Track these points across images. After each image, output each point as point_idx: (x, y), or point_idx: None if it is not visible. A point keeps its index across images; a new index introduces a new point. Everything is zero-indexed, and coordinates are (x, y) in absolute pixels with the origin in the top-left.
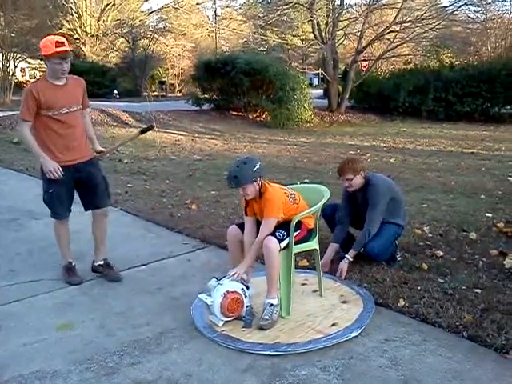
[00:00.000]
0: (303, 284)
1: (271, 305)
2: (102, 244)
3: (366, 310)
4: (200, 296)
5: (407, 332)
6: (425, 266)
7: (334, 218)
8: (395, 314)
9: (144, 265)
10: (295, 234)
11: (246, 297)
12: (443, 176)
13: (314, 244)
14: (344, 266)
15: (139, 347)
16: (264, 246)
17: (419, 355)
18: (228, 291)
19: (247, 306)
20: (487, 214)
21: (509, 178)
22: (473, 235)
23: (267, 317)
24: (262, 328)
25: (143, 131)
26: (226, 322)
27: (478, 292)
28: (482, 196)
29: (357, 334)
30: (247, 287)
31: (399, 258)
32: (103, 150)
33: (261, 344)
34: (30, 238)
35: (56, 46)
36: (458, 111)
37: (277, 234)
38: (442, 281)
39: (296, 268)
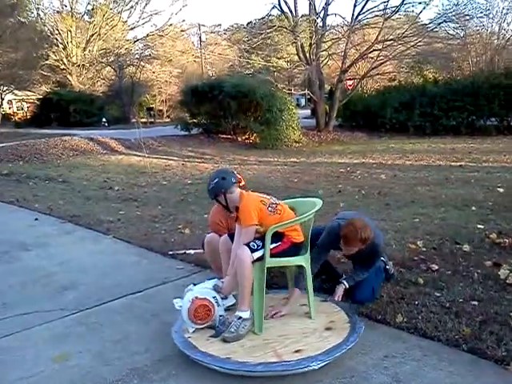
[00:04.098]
0: (303, 305)
1: (239, 318)
2: None
3: (345, 342)
4: (174, 301)
5: (407, 348)
6: (421, 281)
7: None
8: (394, 330)
9: (139, 292)
10: (274, 245)
11: (218, 305)
12: (433, 190)
13: (300, 260)
14: (340, 290)
15: (138, 375)
16: (236, 255)
17: (420, 370)
18: (197, 297)
19: (220, 316)
20: (479, 226)
21: (498, 189)
22: (466, 247)
23: (233, 329)
24: (225, 340)
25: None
26: (198, 329)
27: (475, 304)
28: (473, 208)
29: (316, 367)
30: (226, 297)
31: (393, 272)
32: None
33: (211, 356)
34: (22, 269)
35: None
36: (445, 125)
37: (251, 243)
38: (438, 294)
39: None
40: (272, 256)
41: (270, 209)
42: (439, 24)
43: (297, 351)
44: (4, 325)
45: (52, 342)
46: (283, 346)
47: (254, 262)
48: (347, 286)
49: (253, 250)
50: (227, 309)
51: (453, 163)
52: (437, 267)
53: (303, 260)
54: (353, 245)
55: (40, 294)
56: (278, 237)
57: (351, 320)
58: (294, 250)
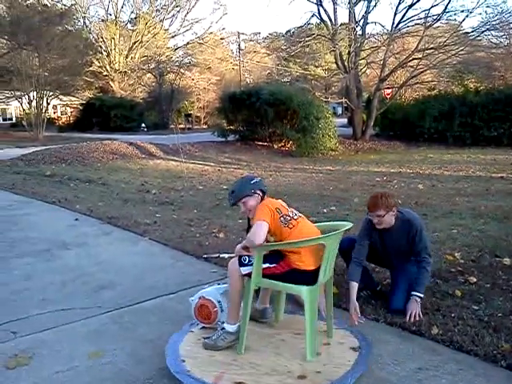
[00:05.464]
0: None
1: (223, 329)
2: None
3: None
4: (190, 298)
5: (442, 361)
6: (458, 293)
7: (349, 253)
8: (428, 341)
9: (173, 293)
10: (267, 265)
11: (222, 311)
12: (473, 201)
13: (299, 290)
14: (416, 306)
15: (168, 375)
16: (228, 265)
17: None
18: (203, 297)
19: (222, 322)
20: None
21: None
22: (507, 261)
23: (213, 337)
24: (204, 345)
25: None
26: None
27: None
28: None
29: None
30: None
31: (429, 284)
32: None
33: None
34: (62, 268)
35: None
36: (486, 136)
37: (243, 257)
38: (476, 308)
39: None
40: (265, 276)
41: (281, 219)
42: (482, 32)
43: (239, 383)
44: (43, 319)
45: (87, 338)
46: (233, 374)
47: (245, 275)
48: (422, 295)
49: (242, 264)
50: None
51: (493, 174)
52: (475, 280)
53: (304, 290)
54: (378, 208)
55: (78, 291)
56: (275, 257)
57: (359, 351)
58: (294, 276)
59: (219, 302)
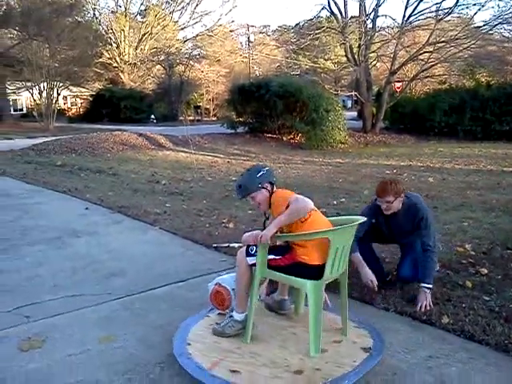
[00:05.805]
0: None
1: (231, 316)
2: None
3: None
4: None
5: (452, 349)
6: (469, 284)
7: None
8: (439, 331)
9: (183, 281)
10: (272, 257)
11: (235, 298)
12: (484, 194)
13: (303, 283)
14: (425, 297)
15: None
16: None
17: (466, 373)
18: (219, 283)
19: (231, 310)
20: None
21: None
22: None
23: (222, 324)
24: (213, 331)
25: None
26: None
27: None
28: None
29: None
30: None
31: (440, 275)
32: None
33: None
34: (72, 255)
35: None
36: (497, 130)
37: (250, 247)
38: (487, 298)
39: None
40: (270, 268)
41: None
42: (494, 26)
43: (233, 371)
44: (55, 304)
45: (99, 323)
46: (231, 362)
47: (252, 265)
48: (431, 287)
49: (249, 254)
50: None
51: (505, 168)
52: (486, 271)
53: (308, 285)
54: (387, 194)
55: (89, 278)
56: (281, 249)
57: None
58: (299, 269)
59: (233, 289)
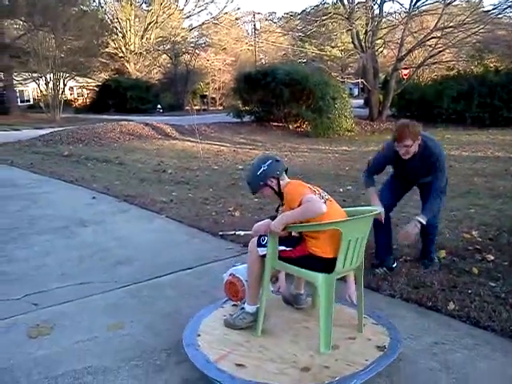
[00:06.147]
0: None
1: (242, 308)
2: None
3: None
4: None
5: (458, 336)
6: (475, 270)
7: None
8: (444, 317)
9: (190, 268)
10: (283, 248)
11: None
12: (491, 181)
13: (314, 277)
14: (414, 230)
15: None
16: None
17: (472, 359)
18: (232, 274)
19: (243, 302)
20: None
21: None
22: None
23: (234, 316)
24: (224, 322)
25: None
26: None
27: None
28: None
29: None
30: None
31: (446, 261)
32: None
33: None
34: (80, 244)
35: None
36: (505, 117)
37: (262, 237)
38: (493, 285)
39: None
40: (281, 259)
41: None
42: (504, 9)
43: (239, 365)
44: (63, 292)
45: (106, 311)
46: (238, 355)
47: (263, 256)
48: (424, 222)
49: (260, 245)
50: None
51: None
52: (492, 258)
53: (319, 278)
54: (405, 138)
55: (96, 266)
56: (293, 241)
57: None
58: (311, 262)
59: (247, 281)
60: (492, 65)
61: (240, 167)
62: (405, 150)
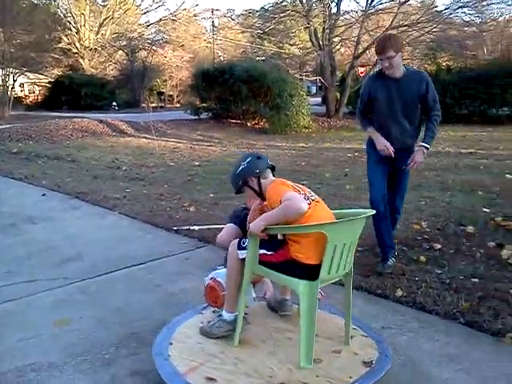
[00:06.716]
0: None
1: (219, 315)
2: None
3: None
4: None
5: (404, 320)
6: (422, 259)
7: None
8: (393, 303)
9: (142, 263)
10: (264, 252)
11: None
12: (441, 175)
13: (295, 284)
14: (419, 156)
15: (136, 339)
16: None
17: (416, 341)
18: (213, 278)
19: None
20: (485, 210)
21: (507, 175)
22: (471, 229)
23: (210, 323)
24: (200, 329)
25: None
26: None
27: (475, 281)
28: (480, 193)
29: None
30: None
31: (396, 251)
32: None
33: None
34: (28, 241)
35: None
36: (456, 114)
37: (242, 239)
38: (439, 272)
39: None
40: (261, 264)
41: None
42: (455, 10)
43: (209, 378)
44: (8, 291)
45: (54, 307)
46: (210, 368)
47: (243, 260)
48: (429, 147)
49: (240, 247)
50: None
51: (462, 150)
52: (439, 246)
53: (300, 286)
54: (387, 49)
55: (44, 263)
56: (274, 244)
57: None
58: (293, 268)
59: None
60: (444, 63)
61: (196, 163)
62: (388, 63)
